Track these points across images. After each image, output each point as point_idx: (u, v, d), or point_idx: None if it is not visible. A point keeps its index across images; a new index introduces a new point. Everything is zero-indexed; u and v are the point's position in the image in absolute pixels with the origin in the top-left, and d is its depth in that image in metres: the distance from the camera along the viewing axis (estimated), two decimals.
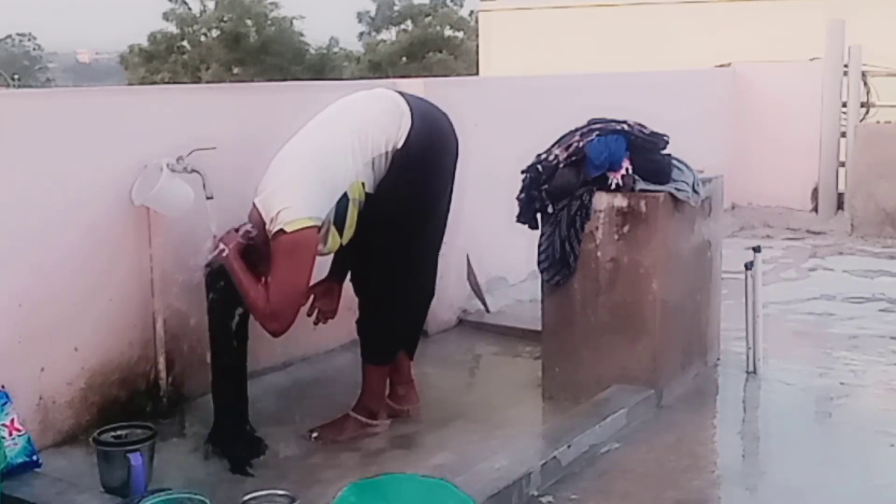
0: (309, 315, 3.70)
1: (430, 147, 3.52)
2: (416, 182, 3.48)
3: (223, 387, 3.49)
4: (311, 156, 3.41)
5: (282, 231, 3.27)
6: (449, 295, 4.00)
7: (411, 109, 3.49)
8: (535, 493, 3.14)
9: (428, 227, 3.65)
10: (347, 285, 3.80)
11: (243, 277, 3.35)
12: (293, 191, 3.32)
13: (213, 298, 3.46)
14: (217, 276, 3.42)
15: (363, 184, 3.43)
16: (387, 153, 3.44)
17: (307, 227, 3.28)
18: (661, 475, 3.31)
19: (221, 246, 3.36)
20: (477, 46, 16.18)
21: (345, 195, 3.40)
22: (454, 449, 3.49)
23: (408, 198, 3.49)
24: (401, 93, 3.61)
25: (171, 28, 35.67)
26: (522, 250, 4.28)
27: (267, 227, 3.33)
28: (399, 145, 3.44)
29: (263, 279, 3.37)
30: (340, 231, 3.45)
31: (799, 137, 7.95)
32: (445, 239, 3.81)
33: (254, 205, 3.41)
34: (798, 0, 11.17)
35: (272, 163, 3.46)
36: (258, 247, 3.38)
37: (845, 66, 7.92)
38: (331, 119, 3.56)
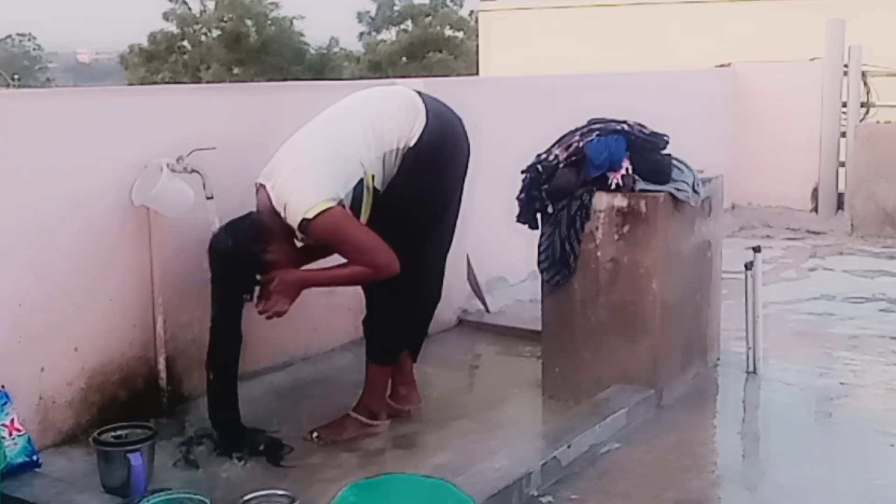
0: (261, 312, 3.49)
1: (442, 148, 3.51)
2: (426, 182, 3.48)
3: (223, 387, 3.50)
4: (323, 145, 3.42)
5: (305, 220, 3.28)
6: (449, 295, 4.00)
7: (427, 109, 3.49)
8: (535, 493, 3.13)
9: (437, 229, 3.65)
10: (349, 289, 3.79)
11: (326, 277, 3.53)
12: (305, 179, 3.32)
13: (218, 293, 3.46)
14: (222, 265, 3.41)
15: (373, 176, 3.44)
16: (398, 150, 3.44)
17: (327, 209, 3.28)
18: (661, 475, 3.31)
19: (279, 285, 3.41)
20: (477, 46, 16.17)
21: (360, 181, 3.41)
22: (454, 449, 3.50)
23: (418, 197, 3.48)
24: (419, 92, 3.60)
25: (172, 28, 35.71)
26: (522, 250, 4.28)
27: (282, 214, 3.33)
28: (411, 143, 3.44)
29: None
30: (357, 215, 3.45)
31: (799, 137, 7.95)
32: None
33: (262, 186, 3.40)
34: (798, 0, 11.17)
35: (282, 148, 3.46)
36: (285, 239, 3.41)
37: (845, 66, 7.91)
38: (345, 110, 3.56)
